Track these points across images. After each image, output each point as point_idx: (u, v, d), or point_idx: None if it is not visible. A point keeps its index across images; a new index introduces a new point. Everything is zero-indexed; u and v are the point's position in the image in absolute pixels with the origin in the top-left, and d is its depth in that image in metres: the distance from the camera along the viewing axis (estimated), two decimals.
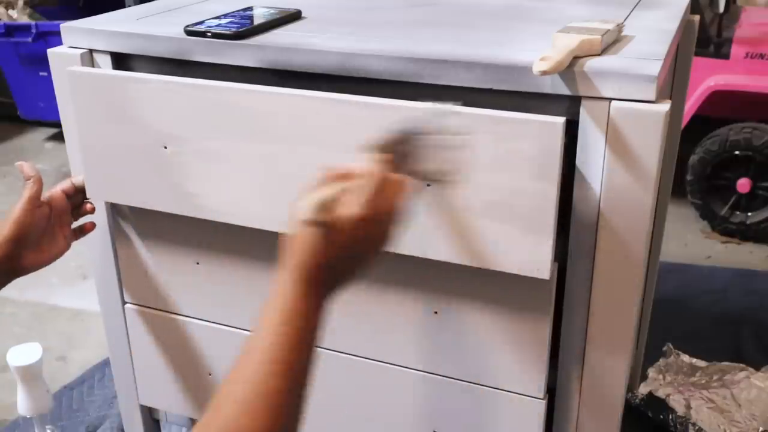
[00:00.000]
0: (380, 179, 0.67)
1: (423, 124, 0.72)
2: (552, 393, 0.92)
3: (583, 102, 0.76)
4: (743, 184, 2.29)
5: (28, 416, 1.32)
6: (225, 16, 0.98)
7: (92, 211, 1.01)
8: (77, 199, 1.00)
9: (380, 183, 0.67)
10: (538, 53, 0.75)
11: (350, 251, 0.67)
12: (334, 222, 0.65)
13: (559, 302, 0.87)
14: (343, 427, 1.04)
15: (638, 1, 1.07)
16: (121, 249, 1.08)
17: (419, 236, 0.82)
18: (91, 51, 0.98)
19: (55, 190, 0.98)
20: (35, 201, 0.94)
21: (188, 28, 0.92)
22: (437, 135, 0.72)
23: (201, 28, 0.92)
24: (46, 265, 0.97)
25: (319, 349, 1.00)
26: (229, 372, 0.66)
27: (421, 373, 0.95)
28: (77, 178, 1.01)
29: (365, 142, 0.70)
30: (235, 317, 1.05)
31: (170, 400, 1.16)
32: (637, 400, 1.46)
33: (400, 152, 0.71)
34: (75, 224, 1.02)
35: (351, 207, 0.65)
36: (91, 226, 1.03)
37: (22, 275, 0.96)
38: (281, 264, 0.68)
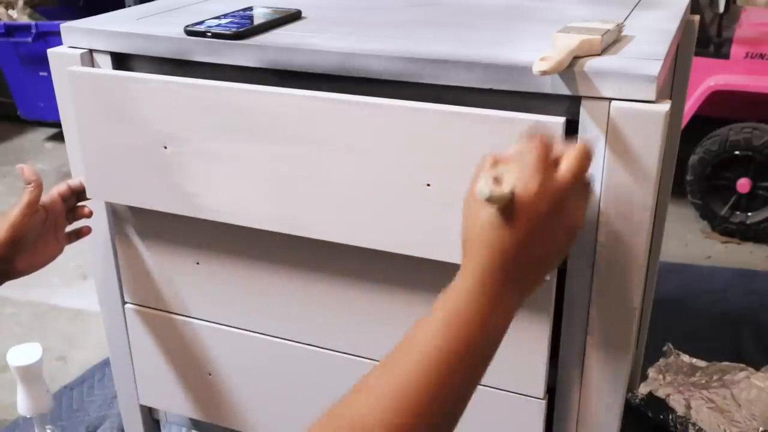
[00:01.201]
0: (543, 148, 0.61)
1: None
2: (552, 393, 0.92)
3: (583, 102, 0.76)
4: (743, 184, 2.29)
5: (28, 416, 1.32)
6: (225, 16, 0.98)
7: (90, 215, 1.01)
8: (72, 202, 1.00)
9: (544, 153, 0.60)
10: (538, 53, 0.75)
11: (535, 228, 0.60)
12: (504, 197, 0.58)
13: (559, 302, 0.87)
14: None
15: (638, 1, 1.07)
16: (121, 249, 1.08)
17: (420, 236, 0.82)
18: (91, 51, 0.98)
19: (51, 193, 0.98)
20: (34, 206, 0.93)
21: (188, 28, 0.92)
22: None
23: (201, 28, 0.92)
24: (38, 269, 0.97)
25: (319, 349, 1.01)
26: (379, 365, 0.59)
27: None
28: (73, 181, 1.00)
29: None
30: (235, 317, 1.05)
31: (170, 400, 1.16)
32: (637, 400, 1.46)
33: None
34: (71, 227, 1.02)
35: (524, 177, 0.59)
36: (88, 230, 1.03)
37: (14, 278, 0.96)
38: (464, 263, 0.61)
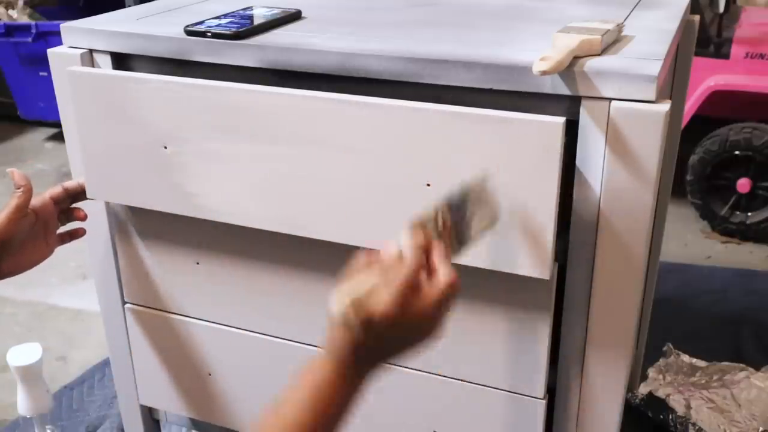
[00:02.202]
0: (412, 272, 0.65)
1: (452, 196, 0.72)
2: (552, 393, 0.92)
3: (583, 102, 0.76)
4: (743, 184, 2.29)
5: (28, 416, 1.32)
6: (225, 16, 0.98)
7: (84, 218, 1.01)
8: (66, 204, 1.00)
9: (412, 276, 0.65)
10: (538, 53, 0.75)
11: (386, 342, 0.67)
12: (366, 321, 0.64)
13: (559, 302, 0.87)
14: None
15: (638, 1, 1.07)
16: (121, 249, 1.08)
17: None
18: (91, 51, 0.98)
19: (43, 196, 0.97)
20: (22, 210, 0.93)
21: (188, 28, 0.92)
22: (467, 200, 0.72)
23: (201, 28, 0.92)
24: (25, 270, 0.97)
25: (319, 349, 1.00)
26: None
27: (421, 373, 0.95)
28: (70, 183, 1.00)
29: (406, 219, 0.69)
30: (235, 317, 1.05)
31: (170, 400, 1.16)
32: (637, 400, 1.46)
33: (436, 225, 0.70)
34: (65, 228, 1.01)
35: (382, 305, 0.64)
36: (82, 231, 1.02)
37: (1, 280, 0.96)
38: (327, 347, 0.68)
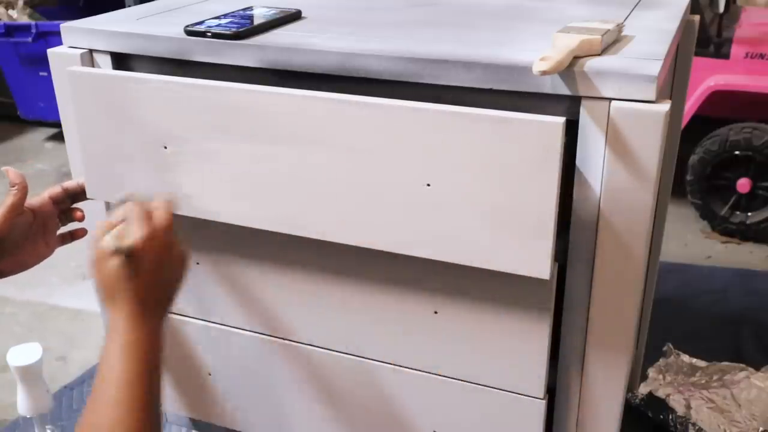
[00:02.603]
0: (140, 207, 0.80)
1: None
2: (552, 393, 0.92)
3: (583, 102, 0.76)
4: (743, 184, 2.29)
5: (28, 416, 1.32)
6: (225, 16, 0.98)
7: (81, 219, 1.00)
8: (66, 204, 1.00)
9: (141, 209, 0.80)
10: (538, 53, 0.75)
11: (155, 267, 0.78)
12: (130, 247, 0.76)
13: (559, 302, 0.87)
14: (343, 426, 1.04)
15: (638, 1, 1.07)
16: None
17: (420, 236, 0.82)
18: (91, 51, 0.98)
19: (41, 195, 0.97)
20: (17, 209, 0.92)
21: (188, 28, 0.92)
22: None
23: (201, 28, 0.92)
24: (24, 270, 0.96)
25: (319, 349, 1.01)
26: (88, 411, 0.74)
27: (421, 373, 0.96)
28: (70, 183, 1.00)
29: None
30: (235, 317, 1.05)
31: (170, 400, 1.16)
32: (637, 400, 1.46)
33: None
34: (66, 229, 1.01)
35: (136, 231, 0.77)
36: (83, 232, 1.02)
37: None
38: (105, 304, 0.78)
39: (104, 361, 0.75)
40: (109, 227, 0.80)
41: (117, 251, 0.76)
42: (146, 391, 0.75)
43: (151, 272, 0.78)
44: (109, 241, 0.77)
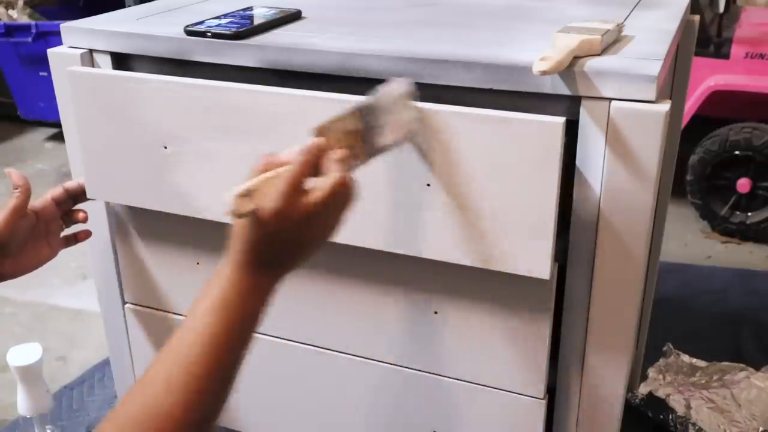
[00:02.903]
0: (299, 169, 0.67)
1: (366, 102, 0.73)
2: (552, 393, 0.92)
3: (583, 102, 0.76)
4: (743, 184, 2.29)
5: (28, 416, 1.32)
6: (225, 16, 0.98)
7: (84, 220, 1.00)
8: (68, 206, 0.99)
9: (297, 177, 0.67)
10: (538, 53, 0.75)
11: (279, 238, 0.68)
12: (255, 212, 0.66)
13: (559, 302, 0.87)
14: (343, 426, 1.04)
15: (638, 1, 1.07)
16: (121, 249, 1.08)
17: (420, 236, 0.82)
18: (91, 51, 0.98)
19: (44, 197, 0.97)
20: (20, 211, 0.92)
21: (188, 28, 0.92)
22: (380, 106, 0.73)
23: (201, 28, 0.92)
24: (28, 272, 0.96)
25: (319, 349, 1.01)
26: (160, 351, 0.68)
27: (421, 373, 0.96)
28: (71, 183, 1.00)
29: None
30: None
31: None
32: (637, 400, 1.46)
33: (339, 131, 0.71)
34: (69, 231, 1.01)
35: (268, 199, 0.66)
36: (85, 235, 1.02)
37: (1, 282, 0.95)
38: (229, 253, 0.70)
39: (191, 312, 0.69)
40: (264, 167, 0.70)
41: (236, 214, 0.67)
42: (226, 354, 0.67)
43: (271, 235, 0.68)
44: (233, 199, 0.67)
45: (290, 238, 0.68)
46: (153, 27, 0.97)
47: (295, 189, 0.67)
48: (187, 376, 0.65)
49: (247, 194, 0.67)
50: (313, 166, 0.69)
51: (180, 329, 0.68)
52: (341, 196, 0.69)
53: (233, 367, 0.69)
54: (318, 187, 0.67)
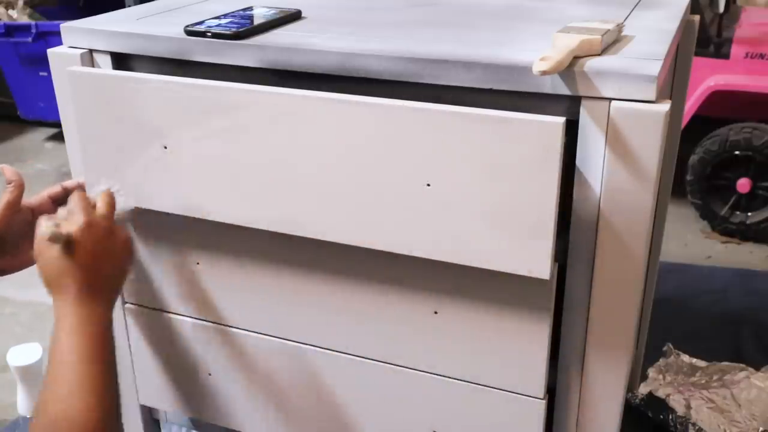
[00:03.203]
0: (81, 197, 0.85)
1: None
2: (552, 393, 0.92)
3: (583, 102, 0.76)
4: (743, 184, 2.29)
5: (28, 416, 1.33)
6: (225, 16, 0.98)
7: None
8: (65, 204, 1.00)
9: (82, 200, 0.85)
10: (538, 53, 0.75)
11: (95, 253, 0.82)
12: (68, 234, 0.80)
13: (559, 302, 0.87)
14: (343, 426, 1.04)
15: (638, 1, 1.07)
16: None
17: (420, 236, 0.82)
18: (91, 51, 0.98)
19: (41, 194, 0.97)
20: (13, 206, 0.92)
21: (188, 28, 0.92)
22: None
23: (201, 28, 0.92)
24: (23, 269, 0.96)
25: (319, 349, 1.01)
26: (43, 393, 0.76)
27: (421, 373, 0.96)
28: (70, 182, 1.00)
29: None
30: (235, 317, 1.05)
31: (170, 400, 1.16)
32: (637, 400, 1.46)
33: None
34: None
35: (75, 219, 0.82)
36: None
37: (1, 276, 0.95)
38: (51, 293, 0.81)
39: (55, 347, 0.77)
40: (47, 219, 0.83)
41: (54, 238, 0.79)
42: (100, 369, 0.77)
43: (92, 258, 0.81)
44: (47, 229, 0.80)
45: (105, 254, 0.83)
46: (153, 27, 0.97)
47: (87, 205, 0.84)
48: (65, 397, 0.75)
49: (56, 226, 0.81)
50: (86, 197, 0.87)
51: (48, 364, 0.78)
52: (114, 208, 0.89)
53: (106, 379, 0.78)
54: (99, 201, 0.87)
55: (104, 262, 0.83)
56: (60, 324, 0.79)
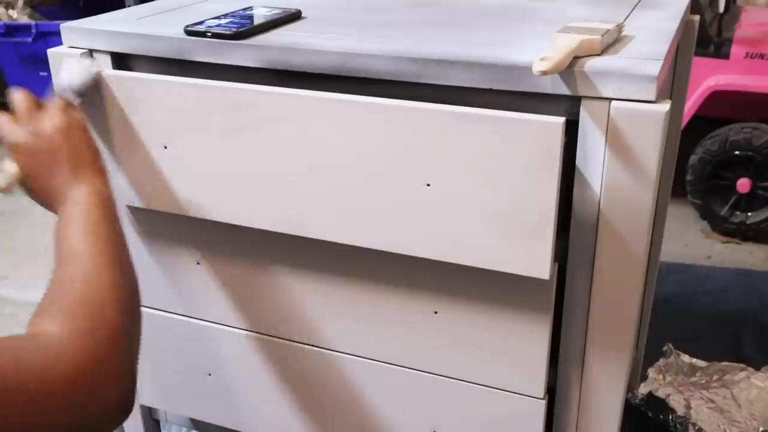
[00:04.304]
0: (26, 100, 0.84)
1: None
2: (552, 393, 0.92)
3: (583, 102, 0.76)
4: (743, 184, 2.29)
5: None
6: (225, 16, 0.98)
7: None
8: None
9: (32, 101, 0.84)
10: (538, 53, 0.75)
11: (61, 136, 0.80)
12: (34, 127, 0.80)
13: (559, 302, 0.87)
14: (343, 426, 1.04)
15: (638, 1, 1.07)
16: None
17: (420, 236, 0.82)
18: (91, 51, 0.98)
19: None
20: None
21: (188, 28, 0.92)
22: None
23: (201, 28, 0.92)
24: None
25: (319, 349, 1.01)
26: (58, 274, 0.71)
27: (421, 373, 0.96)
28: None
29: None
30: (235, 317, 1.05)
31: (170, 400, 1.16)
32: (637, 400, 1.46)
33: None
34: None
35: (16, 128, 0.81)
36: None
37: None
38: (45, 196, 0.80)
39: (66, 240, 0.73)
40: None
41: (26, 133, 0.80)
42: (115, 238, 0.76)
43: (61, 141, 0.80)
44: (14, 127, 0.81)
45: (68, 132, 0.81)
46: (153, 27, 0.97)
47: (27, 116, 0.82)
48: (106, 250, 0.73)
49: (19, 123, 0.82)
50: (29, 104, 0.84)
51: (65, 250, 0.73)
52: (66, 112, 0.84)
53: (121, 250, 0.77)
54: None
55: (72, 140, 0.81)
56: (65, 206, 0.76)
